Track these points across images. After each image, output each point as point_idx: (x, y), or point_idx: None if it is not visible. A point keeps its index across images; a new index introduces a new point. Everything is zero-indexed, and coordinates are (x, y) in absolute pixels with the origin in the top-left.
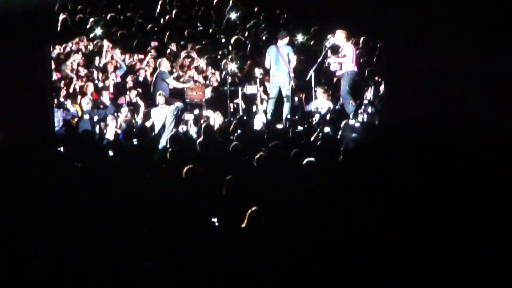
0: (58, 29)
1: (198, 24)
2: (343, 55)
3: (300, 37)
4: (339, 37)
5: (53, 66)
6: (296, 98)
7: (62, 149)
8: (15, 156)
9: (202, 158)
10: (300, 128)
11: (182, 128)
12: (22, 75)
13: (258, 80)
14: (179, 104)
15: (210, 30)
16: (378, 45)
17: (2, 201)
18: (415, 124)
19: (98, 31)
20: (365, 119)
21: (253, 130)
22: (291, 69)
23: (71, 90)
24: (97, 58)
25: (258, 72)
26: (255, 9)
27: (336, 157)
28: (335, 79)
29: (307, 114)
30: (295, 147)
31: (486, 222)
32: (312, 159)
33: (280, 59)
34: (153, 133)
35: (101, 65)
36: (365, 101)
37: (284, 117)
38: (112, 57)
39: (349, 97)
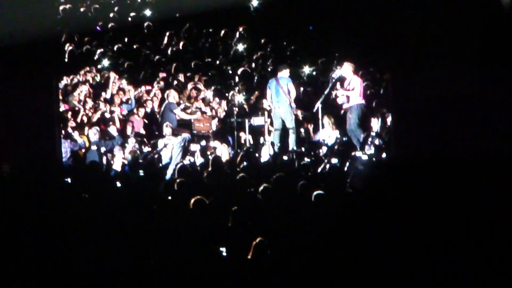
0: (65, 60)
1: (205, 55)
2: (352, 88)
3: (306, 69)
4: (346, 70)
5: (60, 97)
6: (302, 130)
7: (69, 180)
8: (22, 187)
9: (209, 189)
10: (307, 159)
11: (189, 159)
12: (29, 106)
13: (266, 112)
14: (186, 135)
15: (217, 62)
16: (385, 76)
17: (9, 232)
18: (423, 156)
19: (105, 62)
20: (372, 151)
21: (260, 161)
22: (292, 100)
23: (78, 121)
24: (103, 89)
25: (266, 104)
26: (262, 41)
27: (343, 189)
28: (342, 111)
29: (313, 146)
30: (301, 179)
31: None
32: (321, 192)
33: (280, 91)
34: (160, 164)
35: (108, 96)
36: (373, 133)
37: (290, 148)
38: (119, 88)
39: (358, 130)
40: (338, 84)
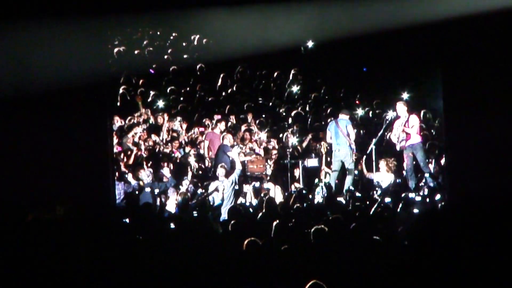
0: (119, 102)
1: (259, 97)
2: (412, 126)
3: (360, 111)
4: (400, 109)
5: (115, 139)
6: (356, 172)
7: (127, 220)
8: (76, 229)
9: (263, 231)
10: (358, 195)
11: (241, 200)
12: (83, 148)
13: (323, 154)
14: (234, 175)
15: (271, 103)
16: (438, 119)
17: (64, 274)
18: (477, 201)
19: (159, 104)
20: (426, 193)
21: (313, 203)
22: (352, 142)
23: (131, 162)
24: (157, 131)
25: (323, 146)
26: (315, 83)
27: (395, 231)
28: (399, 149)
29: (367, 187)
30: (354, 221)
31: None
32: (376, 237)
33: (340, 133)
34: (213, 206)
35: (161, 138)
36: (426, 175)
37: (345, 189)
38: (172, 130)
39: (426, 167)
40: (394, 123)
